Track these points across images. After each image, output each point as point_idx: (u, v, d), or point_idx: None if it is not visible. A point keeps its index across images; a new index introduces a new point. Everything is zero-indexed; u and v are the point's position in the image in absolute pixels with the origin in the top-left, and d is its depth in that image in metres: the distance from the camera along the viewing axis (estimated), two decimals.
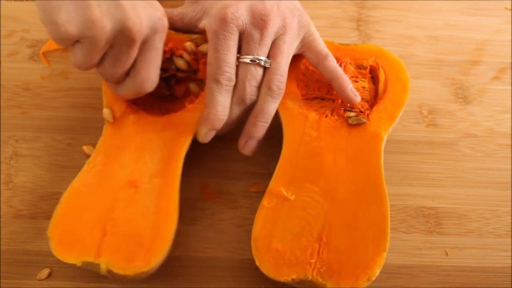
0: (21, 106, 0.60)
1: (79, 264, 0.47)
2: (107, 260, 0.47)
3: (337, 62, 0.56)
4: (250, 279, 0.52)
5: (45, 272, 0.52)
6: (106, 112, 0.54)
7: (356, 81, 0.57)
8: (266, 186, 0.52)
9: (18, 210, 0.55)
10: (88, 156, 0.57)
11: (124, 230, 0.48)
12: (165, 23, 0.50)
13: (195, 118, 0.53)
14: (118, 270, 0.47)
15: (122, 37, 0.47)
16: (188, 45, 0.55)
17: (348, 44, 0.58)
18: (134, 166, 0.51)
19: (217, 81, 0.52)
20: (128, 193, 0.50)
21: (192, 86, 0.56)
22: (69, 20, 0.44)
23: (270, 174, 0.53)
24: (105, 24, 0.45)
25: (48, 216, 0.55)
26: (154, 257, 0.48)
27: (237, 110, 0.54)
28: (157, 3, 0.50)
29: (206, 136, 0.53)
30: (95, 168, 0.51)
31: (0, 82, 0.61)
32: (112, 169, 0.51)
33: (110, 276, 0.48)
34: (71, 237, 0.48)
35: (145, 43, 0.49)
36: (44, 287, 0.52)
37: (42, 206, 0.55)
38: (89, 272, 0.50)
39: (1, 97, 0.60)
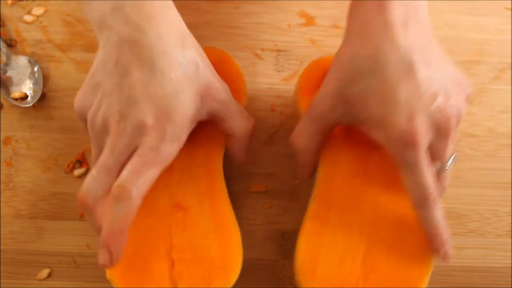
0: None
1: None
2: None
3: None
4: (250, 279, 0.52)
5: (45, 272, 0.53)
6: None
7: None
8: (266, 186, 0.52)
9: (18, 210, 0.55)
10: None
11: (191, 255, 0.47)
12: None
13: (219, 131, 0.51)
14: None
15: None
16: None
17: None
18: (174, 189, 0.50)
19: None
20: (178, 217, 0.49)
21: None
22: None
23: (270, 174, 0.52)
24: None
25: (48, 216, 0.55)
26: (233, 273, 0.47)
27: None
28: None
29: None
30: None
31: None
32: (149, 197, 0.48)
33: None
34: (137, 274, 0.47)
35: None
36: (44, 287, 0.52)
37: (42, 206, 0.55)
38: (89, 272, 0.51)
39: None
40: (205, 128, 0.51)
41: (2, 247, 0.53)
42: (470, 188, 0.58)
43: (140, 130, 0.42)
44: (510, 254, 0.55)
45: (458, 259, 0.55)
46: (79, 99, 0.45)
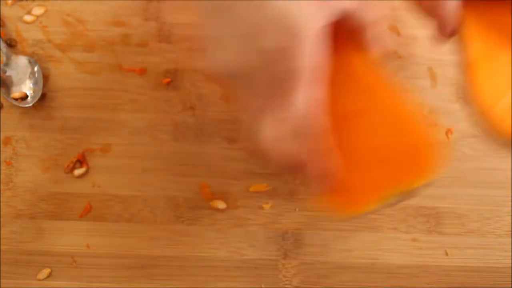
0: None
1: (382, 204, 0.44)
2: (407, 183, 0.44)
3: None
4: (250, 279, 0.53)
5: (45, 272, 0.53)
6: None
7: None
8: (267, 186, 0.52)
9: (18, 210, 0.55)
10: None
11: (389, 153, 0.45)
12: None
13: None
14: (423, 181, 0.44)
15: None
16: None
17: None
18: (341, 100, 0.48)
19: None
20: (358, 124, 0.47)
21: None
22: None
23: (270, 174, 0.52)
24: None
25: (48, 216, 0.55)
26: (436, 151, 0.45)
27: None
28: None
29: None
30: None
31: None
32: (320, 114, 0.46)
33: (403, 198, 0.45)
34: (349, 190, 0.45)
35: None
36: (44, 287, 0.52)
37: (42, 206, 0.55)
38: (89, 272, 0.51)
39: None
40: (345, 31, 0.48)
41: (2, 247, 0.54)
42: (470, 188, 0.58)
43: (271, 58, 0.42)
44: (510, 254, 0.55)
45: (458, 259, 0.55)
46: (208, 61, 0.45)
